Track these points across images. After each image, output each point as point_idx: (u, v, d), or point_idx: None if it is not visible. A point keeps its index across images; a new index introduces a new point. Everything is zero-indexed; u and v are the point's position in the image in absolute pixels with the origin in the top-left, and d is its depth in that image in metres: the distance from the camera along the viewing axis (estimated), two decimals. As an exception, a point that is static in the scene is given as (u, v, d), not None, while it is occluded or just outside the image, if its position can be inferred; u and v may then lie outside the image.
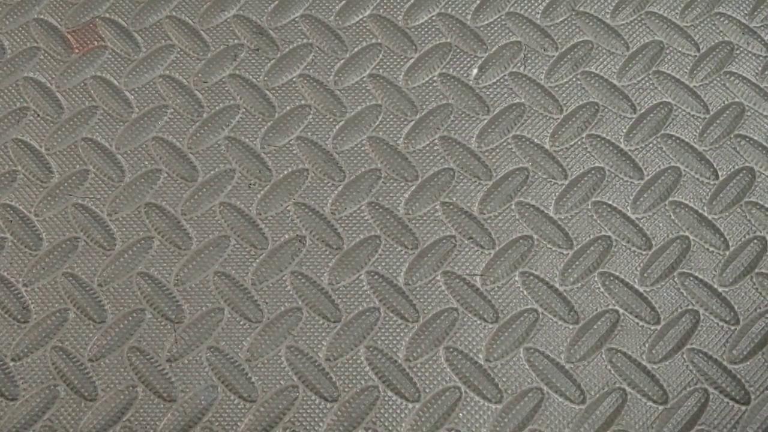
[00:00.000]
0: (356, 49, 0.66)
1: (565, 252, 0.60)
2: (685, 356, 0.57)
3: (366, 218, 0.61)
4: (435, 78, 0.65)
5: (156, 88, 0.65)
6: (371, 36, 0.67)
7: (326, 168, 0.62)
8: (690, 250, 0.60)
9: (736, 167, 0.62)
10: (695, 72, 0.65)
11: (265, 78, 0.65)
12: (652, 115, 0.64)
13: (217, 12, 0.67)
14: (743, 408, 0.56)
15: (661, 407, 0.56)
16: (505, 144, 0.63)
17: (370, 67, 0.65)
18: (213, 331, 0.58)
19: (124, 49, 0.66)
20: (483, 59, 0.66)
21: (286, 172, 0.62)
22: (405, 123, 0.64)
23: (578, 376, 0.57)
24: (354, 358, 0.57)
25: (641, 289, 0.59)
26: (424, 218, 0.61)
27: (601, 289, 0.59)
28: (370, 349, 0.57)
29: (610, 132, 0.63)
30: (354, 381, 0.57)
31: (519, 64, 0.66)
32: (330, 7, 0.67)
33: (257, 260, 0.60)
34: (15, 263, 0.60)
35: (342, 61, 0.66)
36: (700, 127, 0.64)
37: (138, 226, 0.61)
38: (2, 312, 0.58)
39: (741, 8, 0.67)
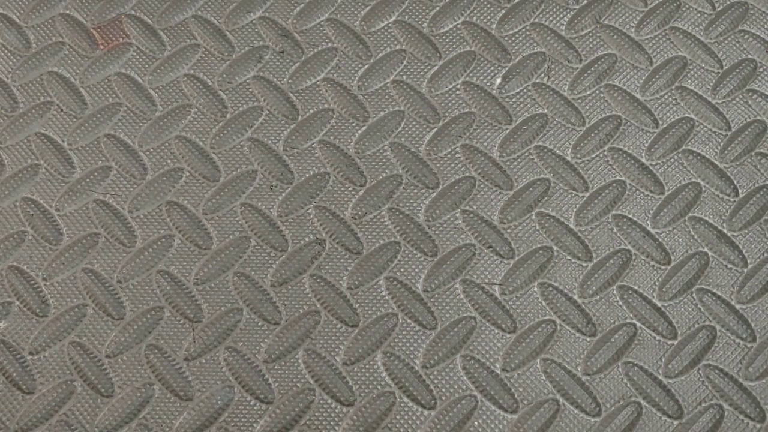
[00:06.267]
0: (380, 55, 0.66)
1: (584, 264, 0.60)
2: (701, 372, 0.58)
3: (386, 224, 0.61)
4: (458, 86, 0.65)
5: (180, 87, 0.65)
6: (396, 42, 0.67)
7: (347, 172, 0.62)
8: (708, 266, 0.60)
9: (757, 185, 0.63)
10: (718, 88, 0.65)
11: (290, 81, 0.65)
12: (674, 130, 0.64)
13: (243, 13, 0.67)
14: (758, 426, 0.56)
15: (675, 422, 0.56)
16: (526, 154, 0.63)
17: (393, 73, 0.66)
18: (231, 331, 0.58)
19: (149, 47, 0.66)
20: (507, 69, 0.66)
21: (307, 175, 0.62)
22: (427, 130, 0.64)
23: (594, 388, 0.57)
24: (371, 363, 0.57)
25: (659, 304, 0.59)
26: (444, 225, 0.61)
27: (620, 303, 0.59)
28: (387, 354, 0.58)
29: (632, 146, 0.63)
30: (370, 386, 0.57)
31: (542, 75, 0.66)
32: (355, 11, 0.68)
33: (277, 262, 0.60)
34: (35, 257, 0.60)
35: (366, 66, 0.66)
36: (722, 144, 0.64)
37: (159, 224, 0.61)
38: (21, 306, 0.58)
39: (765, 26, 0.68)
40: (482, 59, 0.66)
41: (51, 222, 0.61)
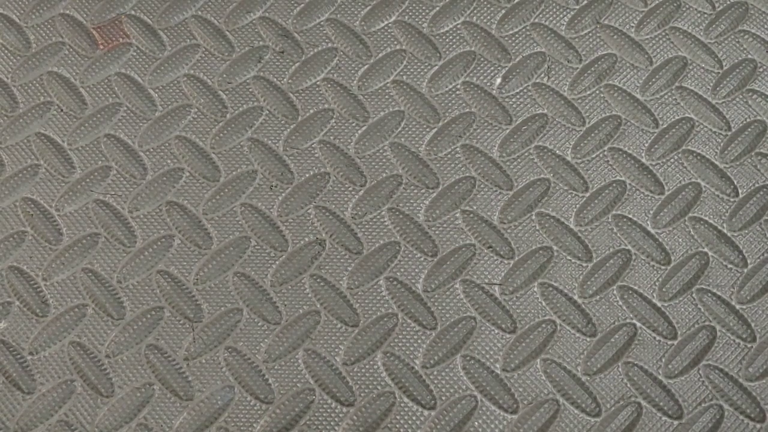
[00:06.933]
0: (380, 55, 0.66)
1: (584, 264, 0.60)
2: (701, 372, 0.57)
3: (386, 224, 0.61)
4: (458, 86, 0.65)
5: (180, 87, 0.65)
6: (396, 42, 0.67)
7: (348, 172, 0.62)
8: (708, 266, 0.60)
9: (757, 185, 0.63)
10: (718, 88, 0.65)
11: (290, 81, 0.65)
12: (674, 130, 0.64)
13: (243, 13, 0.67)
14: (758, 426, 0.56)
15: (675, 422, 0.56)
16: (526, 154, 0.63)
17: (393, 73, 0.66)
18: (231, 331, 0.58)
19: (149, 47, 0.66)
20: (507, 69, 0.66)
21: (307, 175, 0.62)
22: (427, 130, 0.64)
23: (594, 388, 0.57)
24: (371, 363, 0.57)
25: (659, 304, 0.59)
26: (444, 226, 0.61)
27: (619, 303, 0.59)
28: (388, 354, 0.58)
29: (632, 146, 0.63)
30: (370, 386, 0.57)
31: (543, 75, 0.66)
32: (355, 12, 0.68)
33: (277, 262, 0.60)
34: (35, 257, 0.60)
35: (366, 67, 0.66)
36: (722, 144, 0.64)
37: (159, 224, 0.61)
38: (21, 306, 0.58)
39: (765, 26, 0.68)
40: (482, 59, 0.66)
41: (51, 222, 0.61)
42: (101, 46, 0.66)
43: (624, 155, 0.63)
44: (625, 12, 0.68)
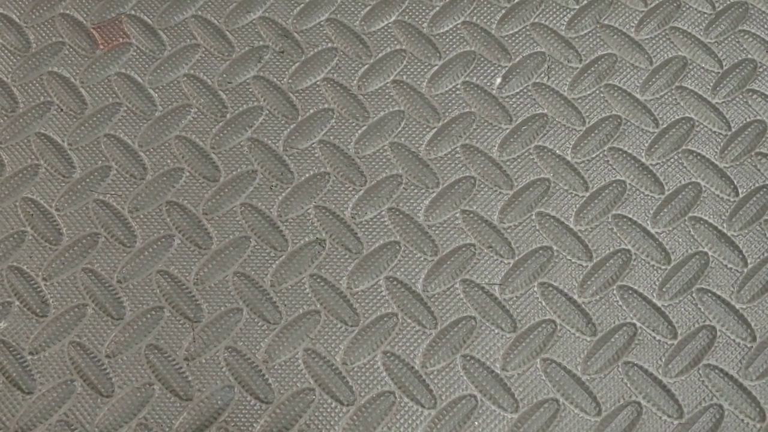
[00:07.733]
0: (380, 55, 0.66)
1: (584, 264, 0.60)
2: (701, 372, 0.58)
3: (386, 224, 0.61)
4: (458, 86, 0.65)
5: (180, 87, 0.65)
6: (396, 42, 0.67)
7: (347, 172, 0.62)
8: (708, 266, 0.60)
9: (757, 184, 0.63)
10: (718, 88, 0.65)
11: (290, 80, 0.65)
12: (674, 130, 0.64)
13: (243, 13, 0.67)
14: (758, 426, 0.56)
15: (675, 422, 0.56)
16: (526, 154, 0.63)
17: (393, 73, 0.66)
18: (231, 331, 0.58)
19: (149, 47, 0.66)
20: (507, 69, 0.66)
21: (307, 175, 0.62)
22: (427, 130, 0.64)
23: (594, 388, 0.57)
24: (371, 362, 0.57)
25: (659, 304, 0.59)
26: (444, 225, 0.61)
27: (620, 303, 0.59)
28: (387, 354, 0.58)
29: (631, 146, 0.63)
30: (370, 386, 0.57)
31: (543, 75, 0.66)
32: (355, 11, 0.68)
33: (277, 262, 0.60)
34: (35, 257, 0.60)
35: (366, 67, 0.66)
36: (722, 144, 0.64)
37: (159, 224, 0.61)
38: (21, 305, 0.58)
39: (765, 26, 0.68)
40: (482, 59, 0.66)
41: (51, 222, 0.61)
42: (101, 46, 0.66)
43: (624, 155, 0.63)
44: (625, 12, 0.68)
